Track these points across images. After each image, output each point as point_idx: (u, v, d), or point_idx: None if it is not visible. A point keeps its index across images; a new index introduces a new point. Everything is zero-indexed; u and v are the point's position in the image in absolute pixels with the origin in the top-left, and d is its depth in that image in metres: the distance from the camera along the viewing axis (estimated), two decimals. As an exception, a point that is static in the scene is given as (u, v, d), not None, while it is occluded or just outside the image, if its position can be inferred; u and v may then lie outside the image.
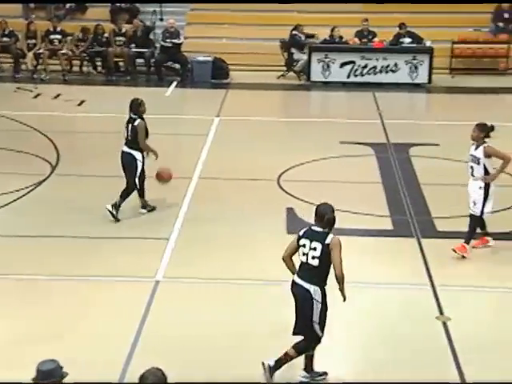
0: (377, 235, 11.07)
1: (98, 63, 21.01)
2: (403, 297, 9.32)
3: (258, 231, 11.08)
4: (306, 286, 7.27)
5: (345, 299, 7.34)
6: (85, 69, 20.99)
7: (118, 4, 22.22)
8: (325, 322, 7.33)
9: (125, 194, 11.41)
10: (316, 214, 7.39)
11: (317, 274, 7.22)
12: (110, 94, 18.96)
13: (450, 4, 21.41)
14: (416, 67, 19.75)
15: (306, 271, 7.29)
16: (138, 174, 11.31)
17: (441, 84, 20.07)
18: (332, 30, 20.41)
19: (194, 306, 9.01)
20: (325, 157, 14.23)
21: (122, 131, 11.47)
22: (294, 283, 7.43)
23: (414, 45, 20.03)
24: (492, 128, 10.20)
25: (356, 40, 20.43)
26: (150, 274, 9.70)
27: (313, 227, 7.37)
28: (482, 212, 10.23)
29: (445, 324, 8.53)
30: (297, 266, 7.49)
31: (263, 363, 7.44)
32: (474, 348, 8.09)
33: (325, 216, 7.32)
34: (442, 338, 8.28)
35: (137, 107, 11.34)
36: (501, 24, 21.04)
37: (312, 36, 20.63)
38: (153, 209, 11.71)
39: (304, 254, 7.31)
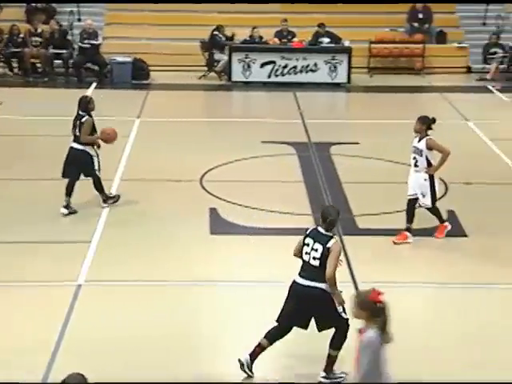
0: (299, 234, 11.08)
1: (15, 64, 20.60)
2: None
3: (182, 232, 11.04)
4: (316, 284, 7.36)
5: (340, 303, 7.35)
6: (0, 70, 20.55)
7: (34, 4, 21.83)
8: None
9: (100, 187, 11.60)
10: (321, 216, 7.56)
11: (320, 273, 7.34)
12: (27, 96, 18.61)
13: (367, 4, 21.80)
14: (335, 67, 20.00)
15: (309, 271, 7.41)
16: (96, 167, 11.43)
17: (360, 83, 20.37)
18: (252, 30, 20.49)
19: (117, 308, 8.92)
20: (247, 157, 14.27)
21: (69, 129, 11.47)
22: (297, 284, 7.46)
23: (333, 45, 20.28)
24: (433, 120, 10.53)
25: (276, 40, 20.57)
26: (71, 277, 9.55)
27: (318, 228, 7.53)
28: (433, 202, 10.58)
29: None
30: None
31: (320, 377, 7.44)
32: (398, 343, 8.22)
33: (327, 218, 7.47)
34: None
35: (86, 104, 11.47)
36: (416, 24, 21.47)
37: (232, 38, 20.69)
38: (74, 212, 11.58)
39: (306, 253, 7.45)
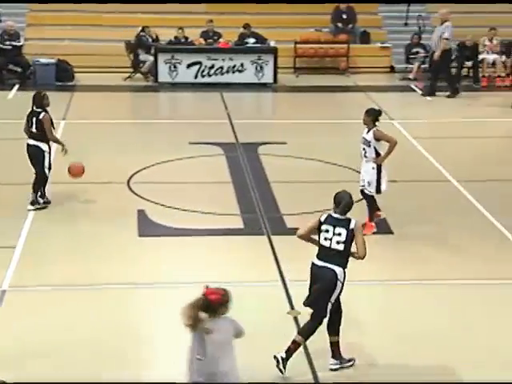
0: (228, 234, 11.17)
1: None
2: (255, 294, 9.42)
3: (109, 235, 10.92)
4: (332, 267, 7.60)
5: None
6: None
7: (-47, 5, 21.31)
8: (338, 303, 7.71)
9: (36, 187, 11.58)
10: (334, 201, 7.75)
11: (341, 257, 7.60)
12: None
13: (292, 4, 21.97)
14: (261, 67, 20.07)
15: (329, 255, 7.63)
16: (46, 164, 11.53)
17: (286, 83, 20.49)
18: (177, 31, 20.41)
19: (41, 313, 8.78)
20: (174, 158, 14.20)
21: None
22: (314, 265, 7.72)
23: (259, 45, 20.35)
24: (380, 113, 11.09)
25: (202, 41, 20.53)
26: (-4, 283, 9.36)
27: (332, 214, 7.72)
28: (378, 191, 10.96)
29: (296, 318, 8.70)
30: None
31: (275, 356, 7.62)
32: (323, 340, 8.30)
33: (341, 202, 7.69)
34: (293, 332, 8.43)
35: (40, 100, 11.55)
36: (340, 24, 21.70)
37: (157, 39, 20.57)
38: (44, 207, 11.63)
39: (326, 239, 7.65)
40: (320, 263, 7.68)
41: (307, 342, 7.80)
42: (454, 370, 7.81)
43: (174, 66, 20.04)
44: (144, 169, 13.58)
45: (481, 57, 20.40)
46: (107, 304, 9.05)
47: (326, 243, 7.66)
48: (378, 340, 8.35)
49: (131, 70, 20.54)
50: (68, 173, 11.75)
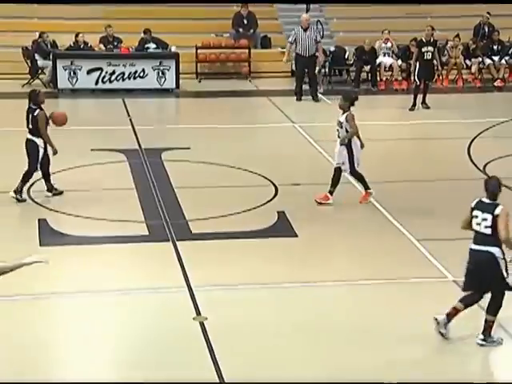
0: (133, 241, 11.05)
1: None
2: (161, 301, 9.37)
3: (10, 245, 10.63)
4: (487, 249, 8.09)
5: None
6: None
7: None
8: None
9: (26, 178, 12.25)
10: (485, 187, 8.21)
11: (492, 239, 8.07)
12: None
13: (193, 9, 21.99)
14: (163, 73, 19.97)
15: (480, 238, 8.16)
16: (39, 159, 12.21)
17: (189, 88, 20.45)
18: (76, 36, 20.11)
19: None
20: (76, 165, 13.98)
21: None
22: (472, 250, 8.22)
23: (160, 50, 20.25)
24: (356, 97, 12.20)
25: (101, 46, 20.29)
26: None
27: (483, 199, 8.20)
28: (352, 168, 12.12)
29: (202, 324, 8.69)
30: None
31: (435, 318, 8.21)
32: (230, 344, 8.33)
33: (489, 188, 8.18)
34: (199, 337, 8.43)
35: (35, 97, 12.32)
36: (240, 29, 21.81)
37: (56, 45, 20.22)
38: (60, 192, 12.44)
39: (477, 224, 8.18)
40: (476, 247, 8.18)
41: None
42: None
43: (74, 72, 19.73)
44: (45, 177, 13.30)
45: (378, 61, 20.86)
46: (17, 315, 8.83)
47: (478, 228, 8.18)
48: (287, 341, 8.43)
49: (29, 76, 20.10)
50: (53, 123, 12.42)
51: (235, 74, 21.53)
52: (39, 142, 12.27)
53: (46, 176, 12.52)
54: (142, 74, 19.93)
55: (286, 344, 8.37)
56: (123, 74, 19.86)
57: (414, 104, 18.39)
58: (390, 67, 20.92)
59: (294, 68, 19.97)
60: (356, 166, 12.16)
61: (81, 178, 13.53)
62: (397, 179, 13.70)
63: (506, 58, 21.33)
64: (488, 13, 21.81)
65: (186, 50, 20.78)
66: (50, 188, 12.54)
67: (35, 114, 12.24)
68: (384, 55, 20.97)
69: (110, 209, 12.04)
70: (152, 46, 20.24)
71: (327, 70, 20.94)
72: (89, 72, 19.78)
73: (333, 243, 11.09)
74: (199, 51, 21.21)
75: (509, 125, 16.00)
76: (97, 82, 19.83)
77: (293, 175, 13.60)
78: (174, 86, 20.06)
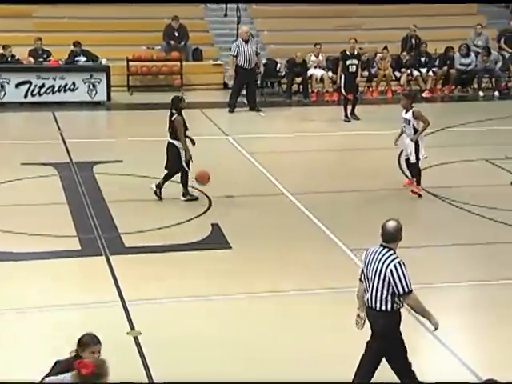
0: (65, 256, 10.90)
1: None
2: (95, 316, 9.26)
3: None
4: None
5: None
6: None
7: None
8: None
9: (168, 177, 12.94)
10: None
11: None
12: None
13: (123, 22, 21.89)
14: (94, 85, 19.79)
15: None
16: (183, 158, 12.74)
17: (120, 101, 20.30)
18: (4, 49, 19.77)
19: None
20: (6, 180, 13.74)
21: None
22: None
23: (91, 63, 20.07)
24: (416, 95, 14.17)
25: (30, 59, 20.00)
26: None
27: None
28: (417, 159, 13.15)
29: (136, 338, 8.62)
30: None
31: None
32: (165, 358, 8.28)
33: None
34: (134, 352, 8.36)
35: (177, 103, 12.78)
36: (172, 42, 21.77)
37: None
38: (195, 198, 12.94)
39: None
40: None
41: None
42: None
43: (2, 86, 19.40)
44: (-27, 192, 13.05)
45: (309, 73, 21.06)
46: None
47: None
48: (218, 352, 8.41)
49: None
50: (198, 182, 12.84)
51: (167, 87, 21.46)
52: (178, 144, 12.75)
53: (184, 180, 12.86)
54: (72, 87, 19.71)
55: (219, 356, 8.36)
56: (53, 86, 19.60)
57: (346, 115, 18.62)
58: (321, 79, 21.15)
59: (233, 80, 19.91)
60: (421, 157, 13.15)
61: (11, 193, 13.30)
62: (327, 190, 13.82)
63: (434, 69, 21.79)
64: (414, 25, 22.25)
65: (117, 63, 20.65)
66: (185, 192, 12.88)
67: (173, 119, 12.76)
68: (315, 67, 21.18)
69: (41, 223, 11.85)
70: (82, 58, 20.04)
71: (259, 82, 21.04)
72: (17, 85, 19.47)
73: (266, 255, 11.12)
74: (130, 64, 21.10)
75: (436, 135, 16.33)
76: (26, 95, 19.53)
77: (226, 187, 13.61)
78: (105, 98, 19.90)
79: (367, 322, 7.43)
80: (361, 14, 23.62)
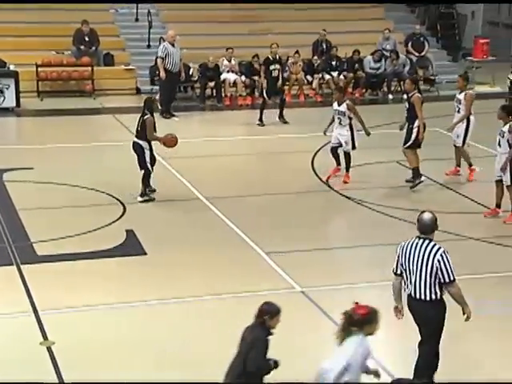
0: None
1: None
2: (6, 326, 9.05)
3: None
4: None
5: None
6: None
7: None
8: None
9: (146, 183, 13.04)
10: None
11: None
12: None
13: (32, 27, 21.49)
14: (2, 91, 19.34)
15: None
16: (147, 159, 12.93)
17: (30, 107, 19.90)
18: None
19: None
20: None
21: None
22: None
23: (-1, 68, 19.63)
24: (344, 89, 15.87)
25: None
26: None
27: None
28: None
29: (49, 349, 8.45)
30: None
31: None
32: (78, 367, 8.15)
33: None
34: (47, 362, 8.20)
35: (150, 104, 13.05)
36: (82, 47, 21.45)
37: None
38: (152, 199, 13.05)
39: None
40: None
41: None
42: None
43: None
44: None
45: (222, 77, 21.08)
46: None
47: None
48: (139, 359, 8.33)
49: None
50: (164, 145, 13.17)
51: (78, 92, 21.15)
52: (144, 144, 12.88)
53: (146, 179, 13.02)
54: (-21, 93, 19.23)
55: (137, 362, 8.28)
56: (-42, 93, 19.10)
57: (261, 119, 18.68)
58: (235, 83, 21.20)
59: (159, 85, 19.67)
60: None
61: None
62: (244, 194, 13.86)
63: (344, 73, 22.10)
64: (324, 30, 22.53)
65: (26, 68, 20.23)
66: (144, 192, 13.01)
67: (144, 119, 12.87)
68: (228, 72, 21.22)
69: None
70: (-13, 65, 19.59)
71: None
72: None
73: (181, 260, 11.05)
74: (40, 69, 20.70)
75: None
76: None
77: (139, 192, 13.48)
78: (14, 104, 19.47)
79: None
80: (272, 18, 23.82)
